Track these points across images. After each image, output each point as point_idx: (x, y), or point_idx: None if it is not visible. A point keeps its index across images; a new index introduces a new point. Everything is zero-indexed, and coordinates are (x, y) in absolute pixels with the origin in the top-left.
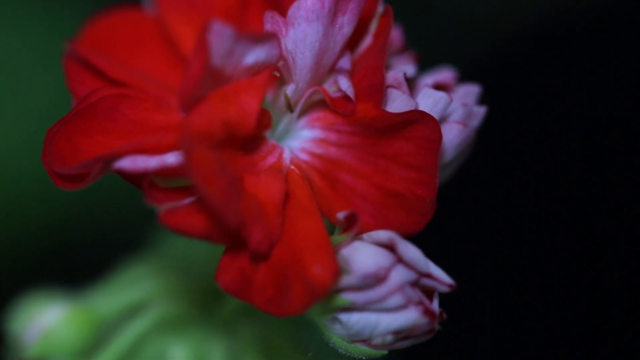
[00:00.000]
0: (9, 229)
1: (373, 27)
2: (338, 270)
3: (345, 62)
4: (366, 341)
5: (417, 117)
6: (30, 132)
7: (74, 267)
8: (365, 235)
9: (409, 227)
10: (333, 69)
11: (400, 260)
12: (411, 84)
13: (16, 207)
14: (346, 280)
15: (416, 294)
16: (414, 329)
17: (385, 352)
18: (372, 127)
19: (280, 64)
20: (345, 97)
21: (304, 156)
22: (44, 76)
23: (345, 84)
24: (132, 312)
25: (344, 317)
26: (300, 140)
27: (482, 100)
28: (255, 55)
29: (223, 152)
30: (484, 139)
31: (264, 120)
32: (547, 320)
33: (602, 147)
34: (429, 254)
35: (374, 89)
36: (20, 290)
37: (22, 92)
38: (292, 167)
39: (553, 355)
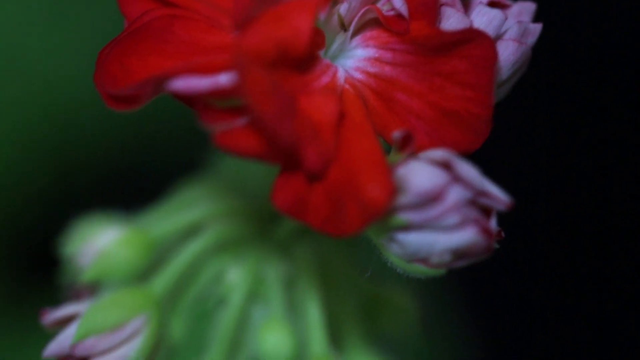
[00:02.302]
0: (65, 153)
1: None
2: (394, 189)
3: None
4: (424, 260)
5: (471, 36)
6: (85, 56)
7: (129, 190)
8: (421, 154)
9: (465, 146)
10: None
11: (456, 178)
12: (465, 1)
13: (71, 132)
14: (402, 199)
15: (473, 213)
16: (471, 248)
17: (443, 271)
18: (426, 45)
19: None
20: (399, 15)
21: (358, 75)
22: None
23: (398, 2)
24: (188, 234)
25: (401, 236)
26: (354, 60)
27: (537, 17)
28: None
29: (276, 72)
30: (540, 56)
31: (317, 39)
32: (608, 243)
33: None
34: (485, 172)
35: (427, 7)
36: (76, 214)
37: (76, 14)
38: (347, 86)
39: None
